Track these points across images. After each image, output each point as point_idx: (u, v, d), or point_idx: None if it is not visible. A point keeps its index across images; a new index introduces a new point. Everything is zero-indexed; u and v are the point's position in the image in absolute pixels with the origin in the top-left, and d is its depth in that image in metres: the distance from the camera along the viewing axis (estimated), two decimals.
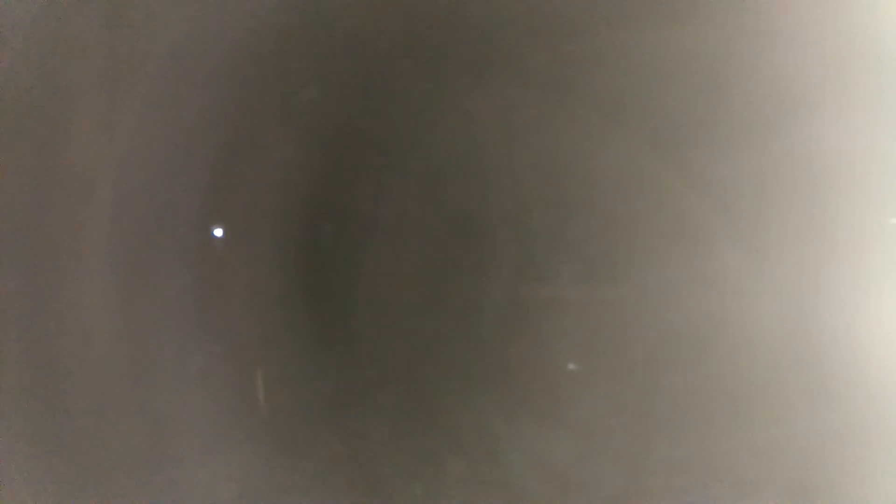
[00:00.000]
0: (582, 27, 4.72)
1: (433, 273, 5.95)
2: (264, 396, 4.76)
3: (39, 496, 3.25)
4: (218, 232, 5.11)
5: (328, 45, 5.15)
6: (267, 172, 5.64)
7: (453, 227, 5.91)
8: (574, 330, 4.81)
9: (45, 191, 3.82)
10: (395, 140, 6.01)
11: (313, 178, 5.57)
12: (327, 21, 5.00)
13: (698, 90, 4.60)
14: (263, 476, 3.96)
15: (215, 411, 4.16)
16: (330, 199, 5.91)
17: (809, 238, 4.40)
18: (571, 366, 4.62)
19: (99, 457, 3.70)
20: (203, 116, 4.58)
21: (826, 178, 4.27)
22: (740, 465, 3.74)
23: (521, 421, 4.41)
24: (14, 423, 3.62)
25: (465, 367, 4.97)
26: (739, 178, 4.82)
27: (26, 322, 3.86)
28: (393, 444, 4.70)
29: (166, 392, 4.10)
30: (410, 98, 5.61)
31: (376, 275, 5.95)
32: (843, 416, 3.78)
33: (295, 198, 5.54)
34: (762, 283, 4.67)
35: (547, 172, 5.54)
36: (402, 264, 5.91)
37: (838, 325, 3.95)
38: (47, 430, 3.83)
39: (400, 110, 5.73)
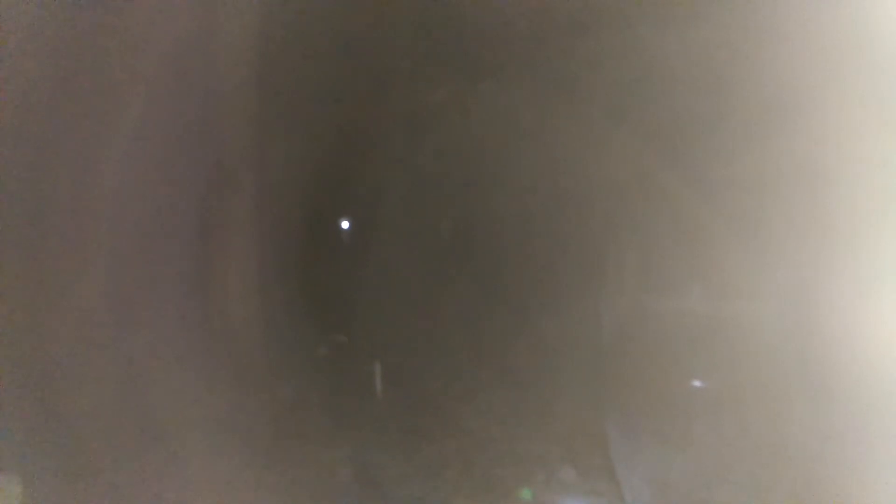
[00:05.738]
0: (582, 28, 4.73)
1: (432, 271, 5.97)
2: (264, 395, 4.77)
3: (39, 495, 3.25)
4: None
5: (329, 46, 5.16)
6: (267, 172, 5.64)
7: (453, 225, 5.93)
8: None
9: (46, 191, 3.82)
10: (395, 140, 6.02)
11: (313, 178, 5.58)
12: (328, 22, 5.00)
13: (699, 91, 4.60)
14: (264, 473, 3.97)
15: (215, 411, 4.16)
16: (330, 198, 5.92)
17: (809, 238, 4.40)
18: None
19: (98, 457, 3.70)
20: (202, 117, 4.58)
21: (826, 178, 4.27)
22: (741, 464, 3.73)
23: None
24: (14, 423, 3.62)
25: None
26: (740, 178, 4.82)
27: (26, 322, 3.86)
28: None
29: (166, 392, 4.10)
30: (410, 98, 5.61)
31: (376, 273, 5.96)
32: (844, 416, 3.78)
33: (295, 197, 5.55)
34: (762, 283, 4.67)
35: (547, 172, 5.55)
36: (402, 263, 5.92)
37: (838, 325, 3.95)
38: (46, 430, 3.83)
39: (400, 110, 5.74)
